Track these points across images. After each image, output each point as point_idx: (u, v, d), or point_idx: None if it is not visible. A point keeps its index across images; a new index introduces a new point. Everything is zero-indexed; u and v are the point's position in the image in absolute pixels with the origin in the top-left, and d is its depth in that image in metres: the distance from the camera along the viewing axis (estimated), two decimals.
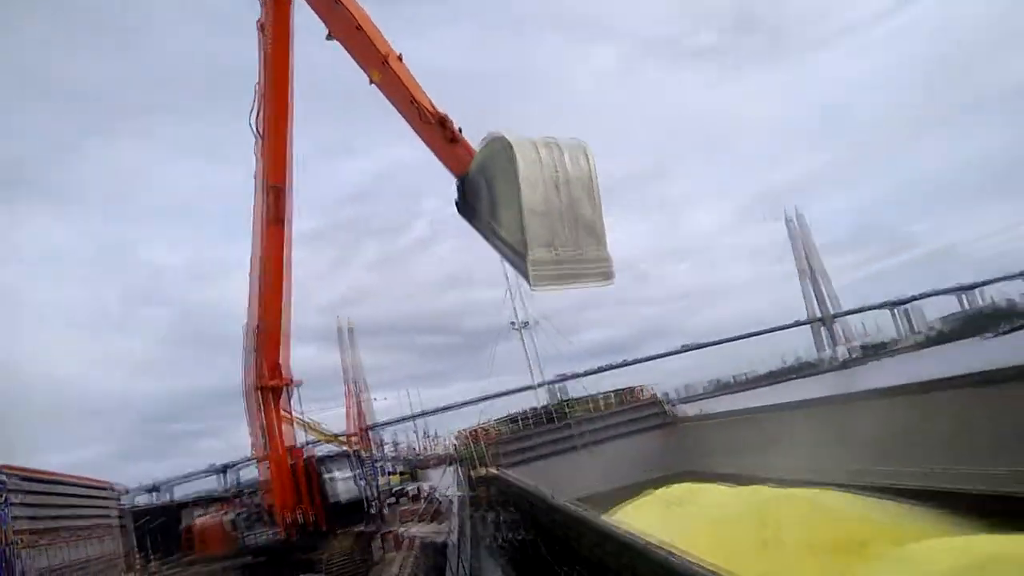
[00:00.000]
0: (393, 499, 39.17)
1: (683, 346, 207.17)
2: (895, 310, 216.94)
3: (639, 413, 27.21)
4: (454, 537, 14.89)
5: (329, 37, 11.92)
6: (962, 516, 9.24)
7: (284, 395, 16.17)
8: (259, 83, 16.10)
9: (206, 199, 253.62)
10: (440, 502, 32.67)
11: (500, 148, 8.87)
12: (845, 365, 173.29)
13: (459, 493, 29.20)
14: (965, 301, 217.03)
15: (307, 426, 28.84)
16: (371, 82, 10.71)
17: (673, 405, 28.81)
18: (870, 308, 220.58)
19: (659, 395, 28.04)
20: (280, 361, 16.31)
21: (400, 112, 10.60)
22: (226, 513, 17.03)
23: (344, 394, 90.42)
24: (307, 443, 30.30)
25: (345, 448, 28.46)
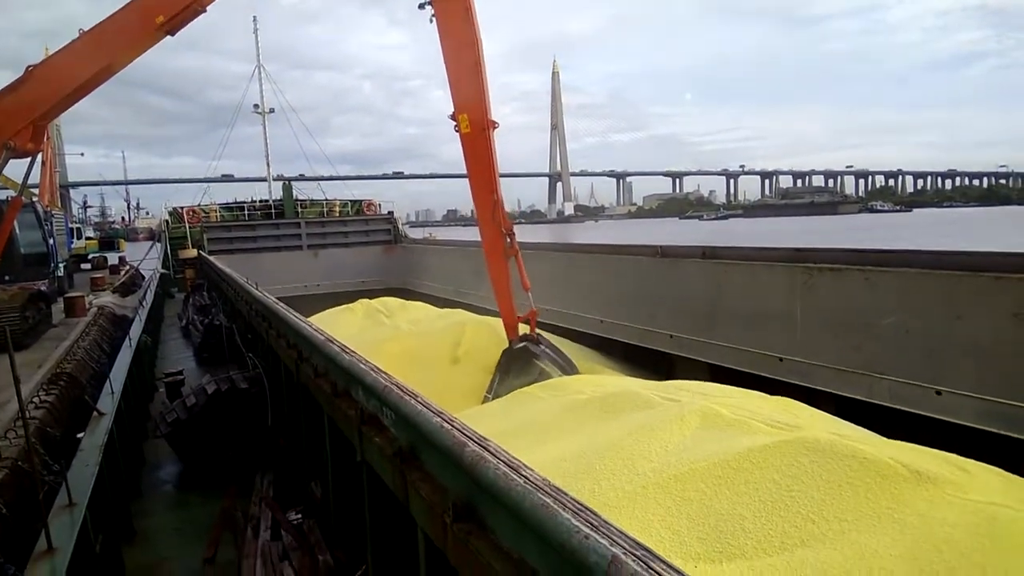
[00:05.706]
0: (88, 265, 36.30)
1: (394, 172, 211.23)
2: (620, 181, 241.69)
3: (370, 227, 27.58)
4: (144, 313, 14.14)
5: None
6: (618, 360, 11.10)
7: None
8: None
9: None
10: (142, 277, 30.59)
11: (539, 372, 9.45)
12: (568, 220, 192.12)
13: (162, 271, 27.52)
14: (677, 185, 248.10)
15: None
16: (456, 129, 9.94)
17: (404, 225, 29.52)
18: (597, 174, 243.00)
19: (393, 214, 28.48)
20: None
21: (473, 192, 10.22)
22: None
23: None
24: None
25: (35, 200, 24.84)
